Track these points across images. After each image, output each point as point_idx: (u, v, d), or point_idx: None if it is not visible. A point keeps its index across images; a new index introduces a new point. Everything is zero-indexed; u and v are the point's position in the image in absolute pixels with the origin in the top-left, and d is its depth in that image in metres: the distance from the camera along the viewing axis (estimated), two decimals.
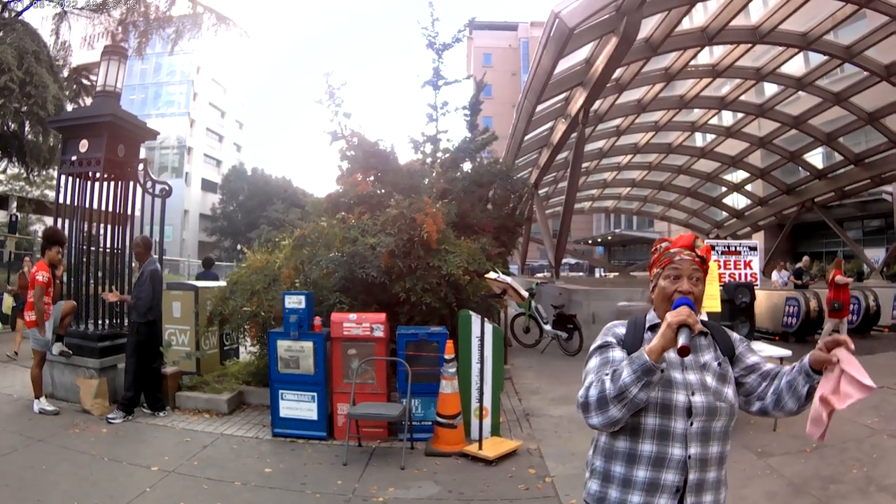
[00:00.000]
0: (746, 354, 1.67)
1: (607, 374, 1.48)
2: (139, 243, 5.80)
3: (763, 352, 5.32)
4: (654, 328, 1.63)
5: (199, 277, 10.57)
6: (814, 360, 1.46)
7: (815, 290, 10.90)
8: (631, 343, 1.61)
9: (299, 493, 3.83)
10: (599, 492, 1.60)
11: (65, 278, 6.23)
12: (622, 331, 1.67)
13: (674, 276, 1.62)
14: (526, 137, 13.49)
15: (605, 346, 1.63)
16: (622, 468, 1.56)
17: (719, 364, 1.60)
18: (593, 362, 1.62)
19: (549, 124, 13.86)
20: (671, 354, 1.45)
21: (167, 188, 6.66)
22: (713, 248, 7.25)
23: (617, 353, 1.59)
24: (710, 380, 1.56)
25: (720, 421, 1.54)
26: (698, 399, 1.52)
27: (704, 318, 1.72)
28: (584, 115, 11.70)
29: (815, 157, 18.89)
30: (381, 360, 5.00)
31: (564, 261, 27.38)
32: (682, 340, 1.41)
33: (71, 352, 5.79)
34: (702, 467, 1.51)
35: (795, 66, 13.27)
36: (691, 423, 1.50)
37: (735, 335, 1.73)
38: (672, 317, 1.43)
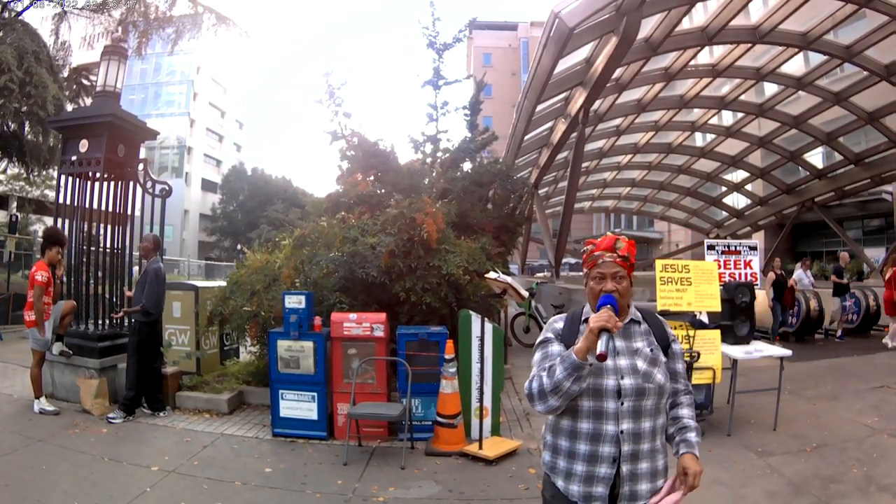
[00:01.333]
0: (675, 358, 1.90)
1: (544, 370, 1.73)
2: (148, 242, 5.79)
3: (764, 352, 5.32)
4: (586, 321, 1.81)
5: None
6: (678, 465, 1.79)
7: (870, 288, 10.88)
8: (567, 336, 1.83)
9: (299, 492, 3.83)
10: (550, 461, 1.86)
11: (64, 278, 6.22)
12: (560, 325, 1.88)
13: (599, 277, 1.82)
14: (526, 137, 13.49)
15: (545, 342, 1.86)
16: (566, 442, 1.80)
17: (651, 350, 1.82)
18: (536, 356, 1.85)
19: (549, 124, 13.86)
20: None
21: (167, 188, 6.66)
22: (713, 247, 7.24)
23: (555, 348, 1.82)
24: (640, 364, 1.78)
25: (649, 400, 1.76)
26: (627, 382, 1.75)
27: (635, 313, 1.89)
28: (584, 115, 11.70)
29: (815, 157, 18.89)
30: (381, 359, 5.00)
31: (564, 260, 27.38)
32: (601, 347, 1.64)
33: (71, 352, 5.79)
34: (635, 440, 1.74)
35: (795, 65, 13.26)
36: (622, 403, 1.73)
37: (671, 332, 1.94)
38: (593, 322, 1.67)
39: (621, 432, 1.72)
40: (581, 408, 1.75)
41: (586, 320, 1.81)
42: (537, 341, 1.89)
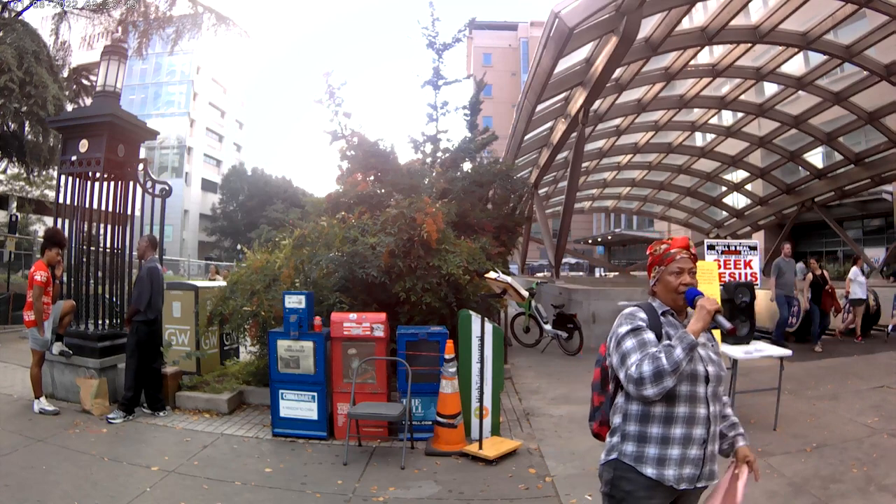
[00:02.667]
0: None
1: (659, 353, 1.80)
2: (143, 242, 5.80)
3: (764, 351, 5.32)
4: (664, 314, 2.00)
5: None
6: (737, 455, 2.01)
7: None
8: (653, 326, 1.95)
9: (299, 492, 3.83)
10: (636, 451, 1.90)
11: (64, 278, 6.22)
12: (644, 316, 1.98)
13: (678, 272, 2.00)
14: (526, 137, 13.48)
15: (638, 329, 1.93)
16: (659, 429, 1.87)
17: (713, 344, 2.03)
18: (630, 342, 1.90)
19: (549, 124, 13.85)
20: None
21: (167, 188, 6.66)
22: (713, 247, 7.25)
23: (650, 335, 1.91)
24: (712, 354, 1.98)
25: (721, 386, 1.98)
26: (711, 369, 1.92)
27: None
28: (583, 115, 11.69)
29: (815, 157, 18.89)
30: (381, 359, 5.00)
31: (564, 260, 27.41)
32: (727, 324, 1.87)
33: (71, 352, 5.79)
34: (715, 422, 1.91)
35: (795, 65, 13.26)
36: (708, 388, 1.89)
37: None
38: (709, 305, 1.85)
39: (710, 414, 1.88)
40: (679, 393, 1.85)
41: (663, 313, 1.99)
42: (625, 330, 1.94)
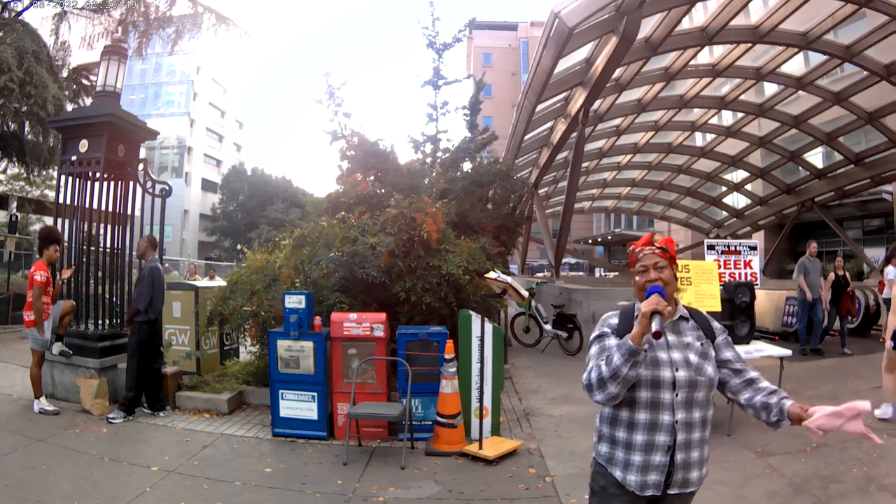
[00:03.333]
0: (723, 348, 1.97)
1: (602, 360, 1.81)
2: (143, 241, 5.81)
3: (764, 351, 5.32)
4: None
5: None
6: (794, 415, 1.75)
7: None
8: (623, 330, 1.90)
9: (299, 492, 3.83)
10: (608, 452, 1.93)
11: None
12: (615, 321, 1.97)
13: (642, 270, 1.94)
14: (526, 137, 13.49)
15: (601, 336, 1.95)
16: (624, 433, 1.87)
17: (701, 344, 1.92)
18: (593, 350, 1.93)
19: (549, 124, 13.86)
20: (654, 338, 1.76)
21: (167, 188, 6.66)
22: (713, 247, 7.25)
23: (611, 342, 1.89)
24: (692, 357, 1.88)
25: (701, 392, 1.85)
26: (681, 374, 1.83)
27: (684, 310, 1.99)
28: (583, 115, 11.70)
29: (815, 157, 18.89)
30: (381, 359, 5.00)
31: (564, 260, 27.40)
32: (654, 326, 1.73)
33: (71, 352, 5.78)
34: (687, 429, 1.82)
35: (795, 65, 13.27)
36: (676, 394, 1.82)
37: (717, 325, 2.02)
38: (644, 306, 1.76)
39: (676, 422, 1.81)
40: (639, 399, 1.83)
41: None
42: (593, 336, 1.96)
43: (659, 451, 1.81)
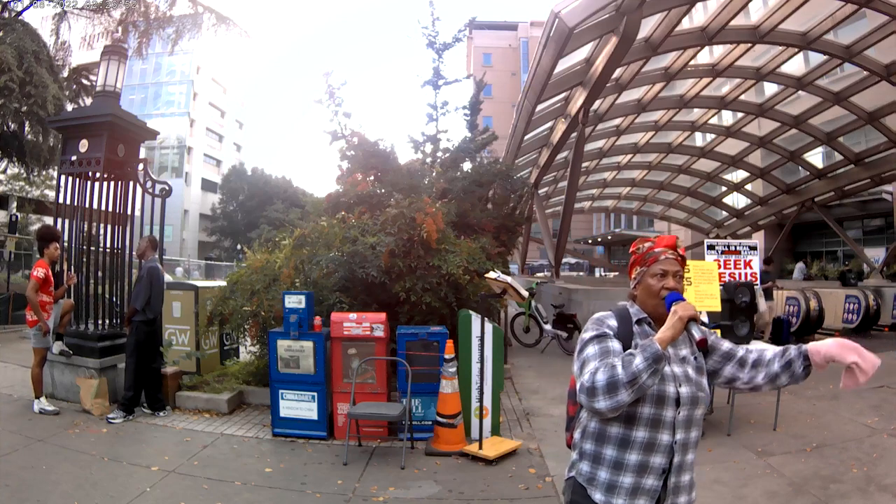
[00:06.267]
0: (718, 343, 1.81)
1: (616, 362, 1.56)
2: (144, 241, 5.81)
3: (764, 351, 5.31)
4: (640, 322, 1.77)
5: None
6: (813, 351, 1.63)
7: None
8: (623, 335, 1.72)
9: (299, 492, 3.83)
10: (590, 472, 1.72)
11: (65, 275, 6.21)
12: (614, 323, 1.76)
13: (661, 274, 1.75)
14: (526, 137, 13.48)
15: (602, 336, 1.71)
16: (613, 451, 1.68)
17: (695, 357, 1.76)
18: (591, 350, 1.69)
19: (549, 124, 13.85)
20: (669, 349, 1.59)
21: (167, 188, 6.66)
22: (713, 247, 7.25)
23: (615, 345, 1.69)
24: (691, 372, 1.72)
25: (699, 409, 1.71)
26: (685, 390, 1.67)
27: None
28: (583, 115, 11.69)
29: (815, 157, 18.88)
30: (381, 359, 5.00)
31: (564, 260, 27.40)
32: (697, 334, 1.57)
33: (71, 351, 5.78)
34: (683, 451, 1.67)
35: (795, 65, 13.26)
36: (679, 412, 1.65)
37: (706, 330, 1.84)
38: (682, 310, 1.58)
39: (675, 442, 1.65)
40: (640, 415, 1.64)
41: (638, 321, 1.76)
42: (589, 336, 1.73)
43: (653, 474, 1.64)
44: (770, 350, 1.75)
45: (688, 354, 1.75)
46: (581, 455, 1.77)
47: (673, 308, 1.61)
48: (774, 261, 12.26)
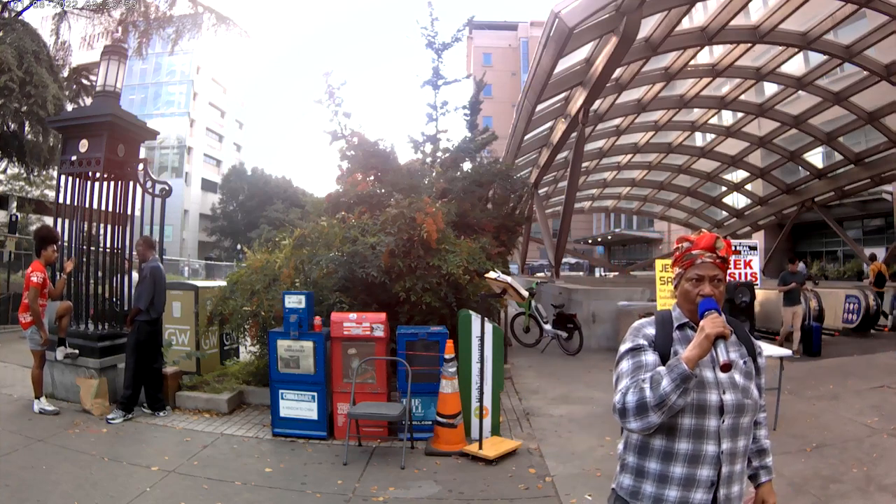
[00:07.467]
0: (761, 373, 1.72)
1: (645, 382, 1.51)
2: (141, 243, 5.82)
3: (764, 351, 5.31)
4: (681, 327, 1.68)
5: None
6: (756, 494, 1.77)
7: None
8: (661, 343, 1.64)
9: (299, 492, 3.83)
10: (633, 486, 1.65)
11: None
12: (651, 331, 1.68)
13: (696, 279, 1.66)
14: (526, 137, 13.49)
15: (637, 349, 1.64)
16: (657, 465, 1.60)
17: (745, 362, 1.66)
18: (625, 365, 1.63)
19: (549, 124, 13.85)
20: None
21: (167, 188, 6.66)
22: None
23: (650, 357, 1.61)
24: (738, 377, 1.61)
25: (747, 416, 1.60)
26: (729, 397, 1.58)
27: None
28: (583, 115, 11.69)
29: (815, 157, 18.89)
30: (381, 359, 5.00)
31: (564, 260, 27.38)
32: (722, 357, 1.47)
33: (77, 352, 5.77)
34: (731, 461, 1.58)
35: (795, 65, 13.26)
36: (723, 421, 1.56)
37: (759, 344, 1.79)
38: (709, 328, 1.48)
39: (721, 452, 1.56)
40: (681, 426, 1.56)
41: (680, 326, 1.68)
42: (625, 348, 1.67)
43: (701, 488, 1.55)
44: (765, 433, 1.80)
45: (736, 358, 1.64)
46: (623, 467, 1.71)
47: (701, 324, 1.52)
48: (800, 259, 11.19)
